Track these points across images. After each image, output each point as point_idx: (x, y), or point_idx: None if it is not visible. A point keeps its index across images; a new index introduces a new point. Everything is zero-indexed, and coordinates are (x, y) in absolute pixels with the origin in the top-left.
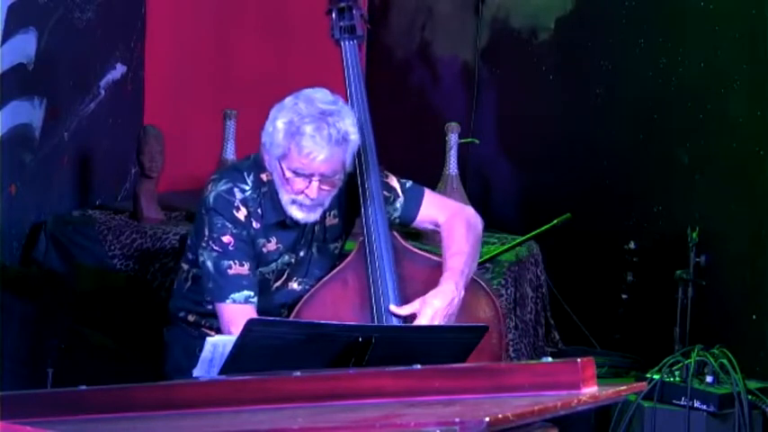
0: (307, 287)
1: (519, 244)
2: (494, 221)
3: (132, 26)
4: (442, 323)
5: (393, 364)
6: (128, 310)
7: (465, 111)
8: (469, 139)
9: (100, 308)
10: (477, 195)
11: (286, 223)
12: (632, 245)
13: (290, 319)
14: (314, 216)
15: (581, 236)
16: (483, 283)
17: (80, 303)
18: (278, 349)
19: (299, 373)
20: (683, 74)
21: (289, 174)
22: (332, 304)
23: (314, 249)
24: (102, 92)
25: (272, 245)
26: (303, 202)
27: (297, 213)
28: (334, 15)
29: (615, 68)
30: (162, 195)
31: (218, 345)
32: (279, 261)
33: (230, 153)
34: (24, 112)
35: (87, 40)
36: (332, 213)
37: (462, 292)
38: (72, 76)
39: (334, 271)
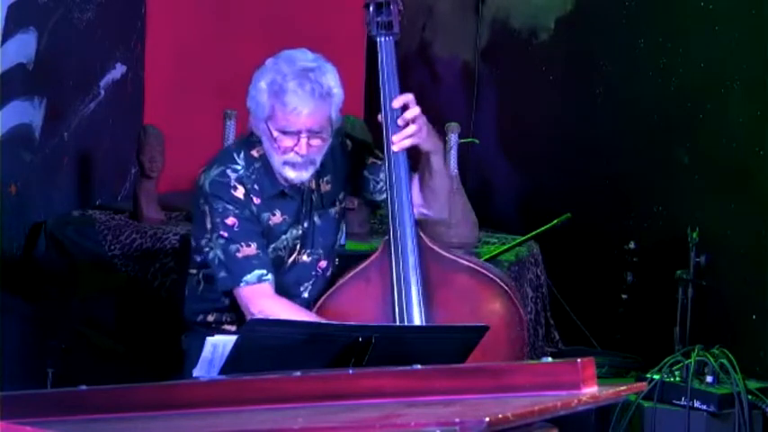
0: (316, 257)
1: (519, 244)
2: (494, 221)
3: (132, 26)
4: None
5: (393, 364)
6: (128, 310)
7: (465, 111)
8: (469, 139)
9: (100, 308)
10: (477, 195)
11: (285, 192)
12: (632, 245)
13: (293, 319)
14: (306, 174)
15: (581, 236)
16: (513, 295)
17: (80, 303)
18: (278, 349)
19: (299, 373)
20: (683, 74)
21: (276, 133)
22: (355, 301)
23: (316, 218)
24: (102, 92)
25: (277, 217)
26: (294, 160)
27: (290, 173)
28: (371, 10)
29: (615, 68)
30: (162, 195)
31: (218, 345)
32: (288, 236)
33: None
34: (24, 112)
35: (87, 40)
36: (325, 180)
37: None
38: (72, 76)
39: (360, 267)
